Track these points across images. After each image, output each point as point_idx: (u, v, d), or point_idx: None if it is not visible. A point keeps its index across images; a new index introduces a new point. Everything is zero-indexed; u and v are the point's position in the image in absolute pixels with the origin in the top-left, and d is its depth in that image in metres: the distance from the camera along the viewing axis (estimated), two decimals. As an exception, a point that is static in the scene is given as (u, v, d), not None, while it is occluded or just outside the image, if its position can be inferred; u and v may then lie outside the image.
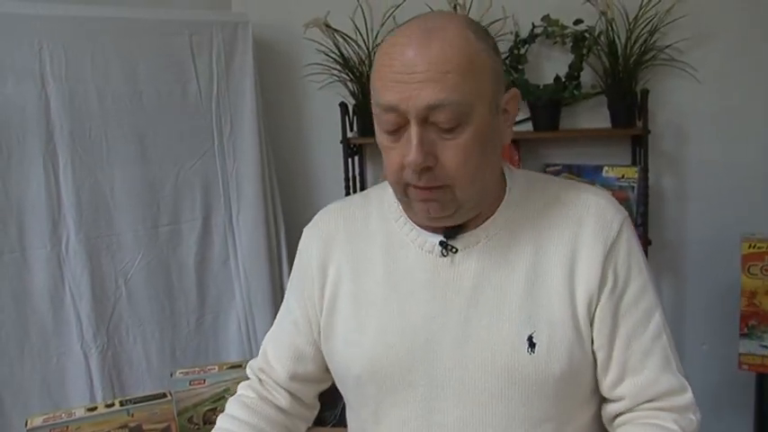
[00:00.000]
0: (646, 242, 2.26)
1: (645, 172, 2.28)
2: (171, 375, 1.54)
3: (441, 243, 1.01)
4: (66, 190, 2.08)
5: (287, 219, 2.39)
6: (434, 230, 1.02)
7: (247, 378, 1.20)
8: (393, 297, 1.03)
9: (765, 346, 1.97)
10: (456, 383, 0.99)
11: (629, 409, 1.01)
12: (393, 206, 1.06)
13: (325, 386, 1.22)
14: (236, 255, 2.24)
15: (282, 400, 1.16)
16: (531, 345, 0.96)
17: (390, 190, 1.05)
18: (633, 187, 2.25)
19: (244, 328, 2.25)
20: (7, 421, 1.96)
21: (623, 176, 2.26)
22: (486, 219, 1.02)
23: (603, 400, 1.05)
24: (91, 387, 2.11)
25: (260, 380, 1.18)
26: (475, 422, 0.99)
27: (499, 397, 0.98)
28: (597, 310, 0.99)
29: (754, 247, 1.96)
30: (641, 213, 2.27)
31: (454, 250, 1.01)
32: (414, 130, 0.90)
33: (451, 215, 0.97)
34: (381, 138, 0.96)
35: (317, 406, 1.24)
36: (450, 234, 1.01)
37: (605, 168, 2.29)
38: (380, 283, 1.05)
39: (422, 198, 0.95)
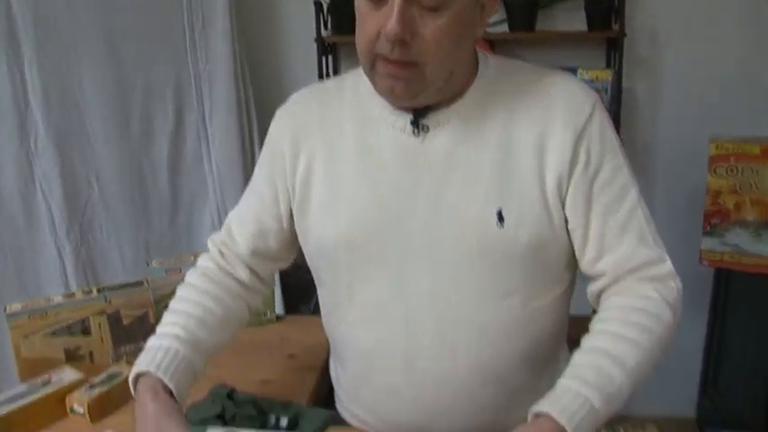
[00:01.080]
0: (616, 144, 2.29)
1: (619, 75, 2.28)
2: (147, 265, 1.56)
3: (412, 122, 1.03)
4: (33, 87, 2.03)
5: (260, 119, 2.36)
6: (406, 109, 1.03)
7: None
8: (365, 174, 1.05)
9: (725, 243, 2.04)
10: (427, 256, 1.03)
11: (611, 284, 1.05)
12: (367, 87, 1.06)
13: (283, 265, 1.26)
14: (210, 155, 2.23)
15: (242, 273, 1.19)
16: (500, 219, 0.99)
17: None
18: (606, 89, 2.26)
19: (218, 228, 2.25)
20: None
21: (597, 79, 2.26)
22: (458, 98, 1.03)
23: (587, 281, 1.09)
24: (66, 283, 2.13)
25: (221, 252, 1.21)
26: (446, 294, 1.03)
27: (469, 269, 1.02)
28: (570, 188, 1.01)
29: (721, 147, 2.00)
30: (613, 116, 2.28)
31: (426, 128, 1.02)
32: (397, 1, 0.90)
33: (415, 96, 0.98)
34: (361, 4, 0.96)
35: (273, 283, 1.29)
36: (421, 113, 1.02)
37: (579, 71, 2.28)
38: (353, 161, 1.06)
39: (390, 73, 0.96)
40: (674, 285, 1.04)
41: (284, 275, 2.23)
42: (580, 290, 1.14)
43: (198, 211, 2.26)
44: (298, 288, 2.20)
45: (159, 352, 1.03)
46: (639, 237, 1.03)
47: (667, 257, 1.04)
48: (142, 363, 1.02)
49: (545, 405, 0.90)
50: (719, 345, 2.43)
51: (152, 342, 1.06)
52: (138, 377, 1.02)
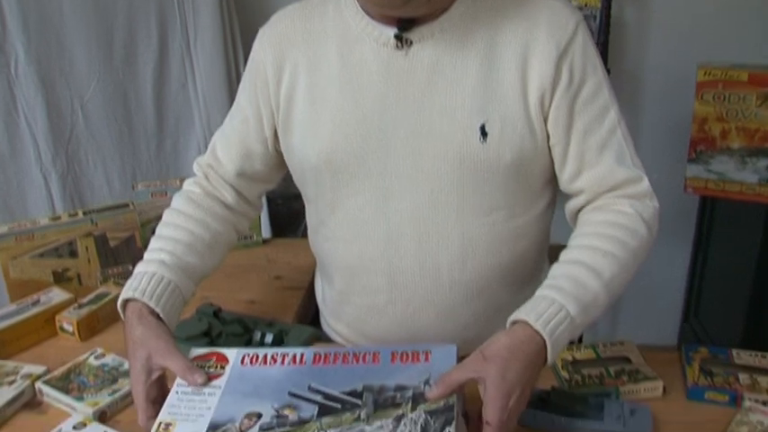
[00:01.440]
0: (605, 72, 2.27)
1: (608, 1, 2.25)
2: (133, 188, 1.56)
3: (395, 36, 1.02)
4: (11, 12, 1.98)
5: (245, 43, 2.32)
6: (389, 24, 1.02)
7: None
8: (348, 90, 1.05)
9: (710, 171, 2.05)
10: (410, 171, 1.04)
11: (589, 201, 1.06)
12: (350, 2, 1.05)
13: (271, 186, 1.26)
14: (195, 79, 2.20)
15: (228, 196, 1.20)
16: (483, 134, 1.00)
17: None
18: (595, 16, 2.23)
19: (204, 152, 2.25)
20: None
21: (586, 5, 2.22)
22: (442, 13, 1.02)
23: (566, 198, 1.10)
24: (53, 211, 2.13)
25: (206, 176, 1.21)
26: (429, 208, 1.05)
27: (452, 184, 1.03)
28: (552, 106, 1.02)
29: (709, 74, 1.98)
30: (602, 43, 2.26)
31: (409, 42, 1.02)
32: None
33: (403, 4, 0.97)
34: None
35: (261, 205, 1.29)
36: (405, 27, 1.01)
37: (569, -4, 2.25)
38: (336, 77, 1.06)
39: None
40: (651, 203, 1.05)
41: (272, 203, 2.24)
42: (562, 220, 1.15)
43: (184, 137, 2.25)
44: (286, 216, 2.22)
45: (144, 278, 1.03)
46: (618, 156, 1.04)
47: (645, 177, 1.06)
48: (128, 289, 1.03)
49: (521, 313, 0.92)
50: (702, 273, 2.47)
51: (138, 268, 1.07)
52: (125, 303, 1.03)
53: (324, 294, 1.28)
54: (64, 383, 1.11)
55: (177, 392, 0.93)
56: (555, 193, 1.14)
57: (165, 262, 1.06)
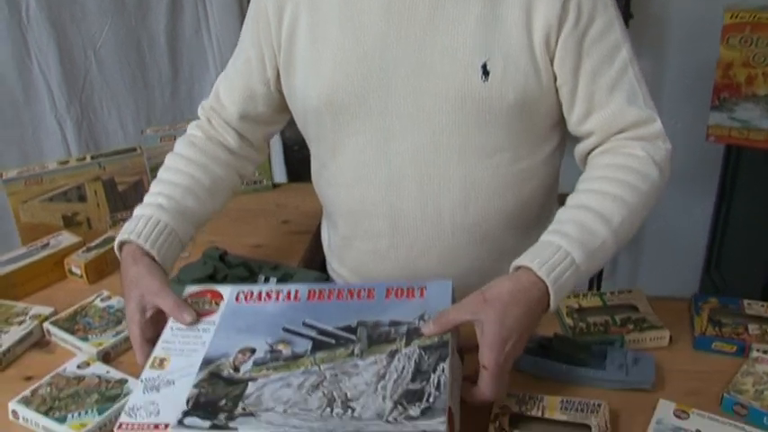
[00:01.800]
0: (627, 16, 2.20)
1: (634, -59, 2.17)
2: (142, 133, 1.56)
3: None
4: (19, -45, 1.97)
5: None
6: None
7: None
8: (349, 28, 1.02)
9: (734, 119, 1.98)
10: (411, 110, 1.01)
11: (600, 143, 1.03)
12: None
13: (275, 129, 1.25)
14: (208, 24, 2.18)
15: (231, 140, 1.19)
16: (485, 73, 0.97)
17: None
18: (620, -43, 2.14)
19: (217, 98, 2.23)
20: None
21: (611, -55, 2.14)
22: None
23: (575, 141, 1.07)
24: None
25: (209, 119, 1.20)
26: (430, 149, 1.02)
27: (454, 124, 1.00)
28: (559, 44, 0.98)
29: (736, 17, 1.90)
30: (627, -14, 2.19)
31: None
32: None
33: None
34: None
35: (267, 150, 1.28)
36: None
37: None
38: (336, 15, 1.03)
39: None
40: (662, 145, 1.02)
41: (289, 149, 2.23)
42: (573, 168, 1.12)
43: (198, 83, 2.23)
44: (303, 162, 2.21)
45: (141, 220, 1.03)
46: (629, 96, 1.00)
47: (657, 118, 1.02)
48: (125, 232, 1.03)
49: (524, 258, 0.89)
50: (725, 224, 2.42)
51: (136, 211, 1.07)
52: (122, 246, 1.03)
53: (329, 239, 1.27)
54: (70, 324, 1.12)
55: (172, 329, 0.93)
56: (563, 137, 1.11)
57: (163, 205, 1.06)
